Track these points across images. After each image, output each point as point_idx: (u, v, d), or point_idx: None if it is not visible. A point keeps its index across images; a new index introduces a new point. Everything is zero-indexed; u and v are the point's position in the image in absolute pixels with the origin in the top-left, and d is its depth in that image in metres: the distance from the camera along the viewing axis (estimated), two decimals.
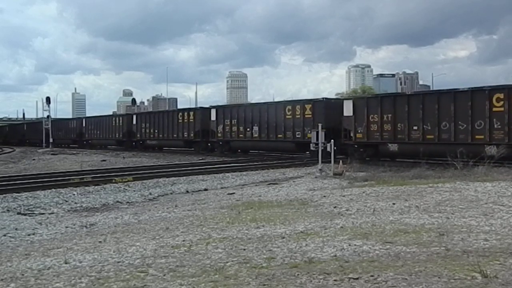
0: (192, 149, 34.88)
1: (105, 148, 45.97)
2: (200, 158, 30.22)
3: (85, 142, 49.59)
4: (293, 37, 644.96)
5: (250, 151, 31.83)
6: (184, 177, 18.25)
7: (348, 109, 23.79)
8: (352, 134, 23.46)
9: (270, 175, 19.29)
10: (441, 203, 9.38)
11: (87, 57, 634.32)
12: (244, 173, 19.92)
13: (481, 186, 11.42)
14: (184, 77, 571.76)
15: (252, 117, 29.62)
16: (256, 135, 29.12)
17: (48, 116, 58.13)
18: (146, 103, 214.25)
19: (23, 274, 5.55)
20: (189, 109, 37.41)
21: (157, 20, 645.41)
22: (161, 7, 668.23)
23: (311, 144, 19.24)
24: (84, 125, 50.75)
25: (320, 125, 19.55)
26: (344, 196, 11.21)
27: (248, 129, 29.68)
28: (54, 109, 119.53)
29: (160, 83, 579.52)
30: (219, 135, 31.72)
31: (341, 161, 18.44)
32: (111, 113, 71.19)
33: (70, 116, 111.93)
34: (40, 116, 63.77)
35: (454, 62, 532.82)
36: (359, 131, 23.16)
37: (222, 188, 15.85)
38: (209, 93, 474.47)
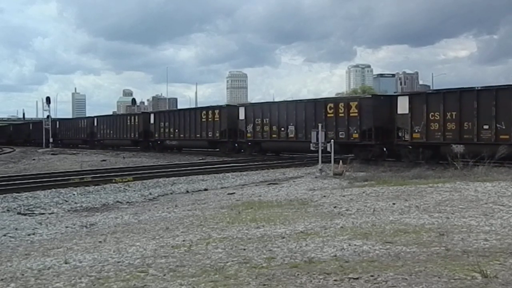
0: (217, 150, 32.41)
1: (118, 149, 42.98)
2: (200, 158, 30.19)
3: (96, 142, 46.60)
4: (293, 37, 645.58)
5: (283, 153, 29.17)
6: (184, 177, 18.25)
7: (403, 106, 21.36)
8: (406, 134, 21.21)
9: (270, 175, 19.29)
10: (441, 203, 9.38)
11: (87, 57, 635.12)
12: (244, 173, 19.92)
13: (481, 186, 11.42)
14: (184, 77, 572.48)
15: (287, 115, 26.70)
16: (292, 136, 26.27)
17: (48, 116, 57.60)
18: (146, 103, 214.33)
19: (23, 274, 5.55)
20: (214, 107, 34.27)
21: (157, 20, 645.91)
22: (162, 7, 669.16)
23: (311, 144, 19.22)
24: (95, 124, 47.36)
25: (320, 125, 19.52)
26: (344, 196, 11.21)
27: (282, 129, 26.86)
28: (54, 109, 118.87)
29: (160, 83, 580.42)
30: (249, 135, 29.02)
31: (341, 161, 18.44)
32: (111, 113, 70.16)
33: (70, 116, 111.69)
34: (40, 116, 62.93)
35: (454, 62, 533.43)
36: (416, 131, 20.85)
37: (222, 188, 15.86)
38: (209, 93, 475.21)
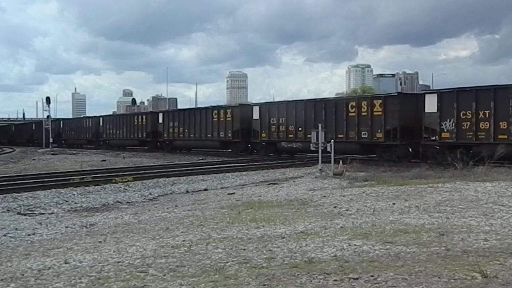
0: (375, 156, 22.57)
1: (199, 153, 33.18)
2: (200, 158, 30.07)
3: (159, 144, 37.16)
4: (294, 37, 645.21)
5: None
6: (184, 177, 18.26)
7: None
8: None
9: (270, 175, 19.29)
10: (441, 203, 9.38)
11: (87, 56, 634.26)
12: (244, 173, 19.92)
13: (481, 186, 11.43)
14: (184, 77, 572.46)
15: None
16: None
17: (48, 116, 57.20)
18: (146, 103, 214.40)
19: (23, 274, 5.55)
20: (372, 97, 23.96)
21: (158, 20, 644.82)
22: (163, 6, 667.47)
23: (311, 144, 19.19)
24: (161, 121, 36.73)
25: (320, 125, 19.46)
26: (344, 196, 11.22)
27: None
28: (54, 109, 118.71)
29: (160, 83, 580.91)
30: (446, 134, 19.61)
31: (341, 161, 18.43)
32: (110, 112, 67.39)
33: (70, 116, 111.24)
34: (40, 116, 61.84)
35: (455, 62, 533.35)
36: None
37: (222, 188, 15.86)
38: (210, 93, 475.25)
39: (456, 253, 5.64)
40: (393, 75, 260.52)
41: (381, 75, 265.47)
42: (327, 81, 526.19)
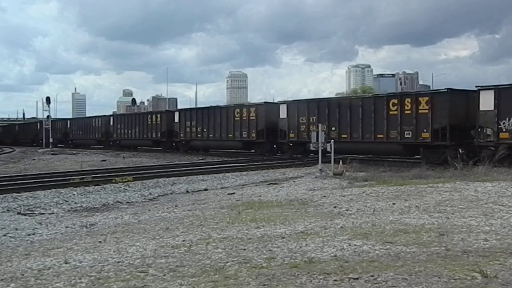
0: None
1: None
2: (200, 158, 30.03)
3: (174, 144, 34.55)
4: (295, 37, 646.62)
5: None
6: (184, 177, 18.26)
7: None
8: None
9: (270, 175, 19.29)
10: (441, 203, 9.38)
11: (87, 56, 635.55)
12: (244, 173, 19.92)
13: (481, 186, 11.43)
14: (184, 77, 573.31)
15: None
16: None
17: (48, 116, 57.29)
18: (146, 103, 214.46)
19: (23, 274, 5.55)
20: (424, 93, 22.54)
21: (158, 20, 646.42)
22: (163, 6, 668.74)
23: (311, 144, 19.20)
24: (177, 120, 34.34)
25: (320, 125, 19.48)
26: (344, 196, 11.22)
27: None
28: (54, 109, 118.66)
29: (160, 83, 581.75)
30: None
31: (341, 161, 18.43)
32: (110, 113, 66.67)
33: (70, 116, 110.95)
34: (40, 116, 61.61)
35: (455, 62, 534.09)
36: None
37: (222, 188, 15.85)
38: (210, 93, 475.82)
39: (456, 253, 5.64)
40: (393, 75, 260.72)
41: (381, 75, 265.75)
42: (327, 81, 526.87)
